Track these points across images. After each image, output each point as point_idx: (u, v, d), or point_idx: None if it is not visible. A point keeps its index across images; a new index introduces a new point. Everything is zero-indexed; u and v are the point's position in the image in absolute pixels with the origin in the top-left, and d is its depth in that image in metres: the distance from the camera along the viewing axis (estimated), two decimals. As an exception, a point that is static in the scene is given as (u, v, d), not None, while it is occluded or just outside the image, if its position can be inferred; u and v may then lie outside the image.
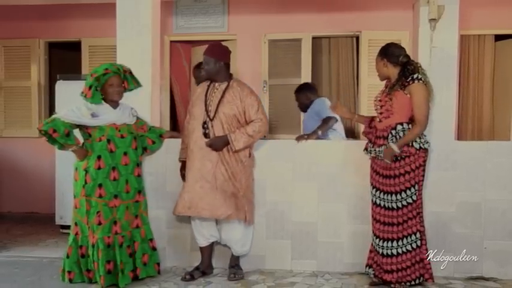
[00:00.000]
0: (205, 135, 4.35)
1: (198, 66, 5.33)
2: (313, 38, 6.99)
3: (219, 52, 4.46)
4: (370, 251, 4.44)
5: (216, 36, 6.98)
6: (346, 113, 4.66)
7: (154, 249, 4.48)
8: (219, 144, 4.30)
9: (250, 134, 4.33)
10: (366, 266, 4.47)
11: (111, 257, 4.21)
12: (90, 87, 4.21)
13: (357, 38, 6.97)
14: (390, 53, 4.18)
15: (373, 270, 4.33)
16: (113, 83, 4.32)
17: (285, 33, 6.95)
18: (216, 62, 4.40)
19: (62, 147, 4.24)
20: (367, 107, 6.45)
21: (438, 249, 4.53)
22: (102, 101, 4.30)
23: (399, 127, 4.08)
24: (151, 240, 4.47)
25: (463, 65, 6.92)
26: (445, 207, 4.61)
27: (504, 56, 6.61)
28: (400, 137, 4.06)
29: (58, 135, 4.11)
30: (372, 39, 6.64)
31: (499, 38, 6.87)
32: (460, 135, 6.71)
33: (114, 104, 4.36)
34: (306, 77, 6.91)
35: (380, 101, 4.20)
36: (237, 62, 6.94)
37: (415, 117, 4.06)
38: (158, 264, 4.49)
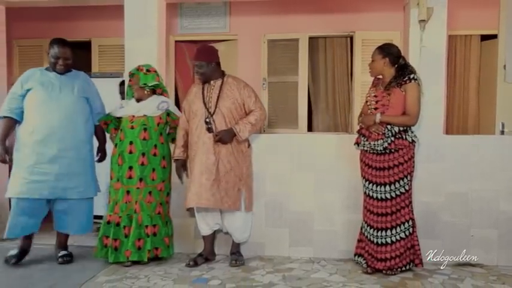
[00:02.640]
0: (208, 129, 4.33)
1: (122, 83, 5.40)
2: (310, 38, 6.98)
3: (209, 54, 4.45)
4: (359, 241, 4.42)
5: (218, 36, 6.97)
6: (372, 120, 4.17)
7: (147, 235, 4.41)
8: (227, 137, 4.30)
9: (252, 123, 4.37)
10: (355, 255, 4.45)
11: (109, 233, 4.42)
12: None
13: (351, 38, 6.95)
14: (392, 53, 4.18)
15: (364, 259, 4.32)
16: (132, 82, 4.62)
17: (283, 34, 6.93)
18: (208, 64, 4.39)
19: None
20: (360, 103, 6.41)
21: (428, 237, 4.51)
22: (133, 97, 4.62)
23: None
24: (147, 226, 4.41)
25: (451, 64, 6.91)
26: (434, 197, 4.60)
27: (489, 55, 6.58)
28: (395, 131, 4.07)
29: (106, 126, 4.68)
30: (365, 39, 6.63)
31: (484, 38, 6.85)
32: (448, 130, 6.70)
33: (141, 99, 4.58)
34: (303, 74, 6.91)
35: (375, 96, 4.20)
36: (237, 60, 6.93)
37: (408, 112, 4.08)
38: (149, 250, 4.41)
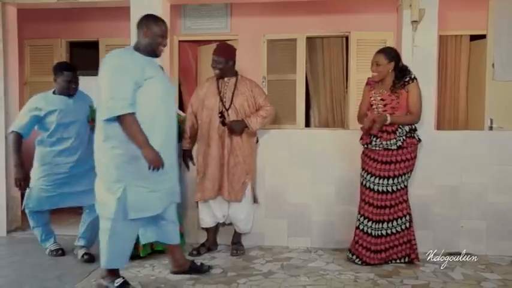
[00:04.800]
0: (223, 123, 4.35)
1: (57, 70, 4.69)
2: (308, 38, 6.93)
3: (229, 52, 4.48)
4: (355, 241, 4.27)
5: (219, 36, 6.92)
6: (384, 121, 4.04)
7: None
8: (238, 127, 4.32)
9: (264, 116, 4.40)
10: (349, 252, 4.32)
11: None
12: None
13: (347, 38, 6.90)
14: (397, 57, 4.14)
15: (357, 257, 4.20)
16: None
17: (282, 34, 6.89)
18: (226, 62, 4.41)
19: None
20: (356, 100, 6.39)
21: (419, 228, 4.48)
22: None
23: None
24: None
25: (442, 63, 6.86)
26: (425, 190, 4.59)
27: (478, 55, 6.56)
28: (406, 131, 4.06)
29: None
30: (360, 39, 6.59)
31: (474, 38, 6.81)
32: (439, 125, 6.68)
33: None
34: (301, 73, 6.88)
35: (382, 100, 4.13)
36: (238, 59, 6.88)
37: (412, 110, 4.06)
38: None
